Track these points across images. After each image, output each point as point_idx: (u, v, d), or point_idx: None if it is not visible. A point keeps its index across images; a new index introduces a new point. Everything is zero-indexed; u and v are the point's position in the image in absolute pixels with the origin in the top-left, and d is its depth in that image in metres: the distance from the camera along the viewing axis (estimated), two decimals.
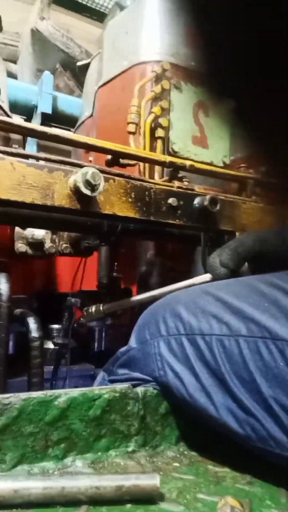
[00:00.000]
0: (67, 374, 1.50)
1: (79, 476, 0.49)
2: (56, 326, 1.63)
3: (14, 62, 3.36)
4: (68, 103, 2.94)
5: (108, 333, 1.67)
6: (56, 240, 1.42)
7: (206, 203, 0.95)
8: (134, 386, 0.63)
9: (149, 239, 1.35)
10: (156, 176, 1.32)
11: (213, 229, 1.01)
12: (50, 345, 1.58)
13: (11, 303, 1.13)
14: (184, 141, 1.39)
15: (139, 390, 0.63)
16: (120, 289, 1.38)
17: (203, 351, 0.59)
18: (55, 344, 1.52)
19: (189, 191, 0.99)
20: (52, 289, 1.86)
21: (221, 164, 1.46)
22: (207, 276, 0.85)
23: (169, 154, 1.34)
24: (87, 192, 0.79)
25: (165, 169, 1.28)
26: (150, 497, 0.48)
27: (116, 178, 0.87)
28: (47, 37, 3.11)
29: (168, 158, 1.07)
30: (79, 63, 2.96)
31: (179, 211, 0.94)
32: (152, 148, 1.34)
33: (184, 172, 1.10)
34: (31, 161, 0.80)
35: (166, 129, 1.36)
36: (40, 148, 2.65)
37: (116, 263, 1.39)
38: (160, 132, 1.35)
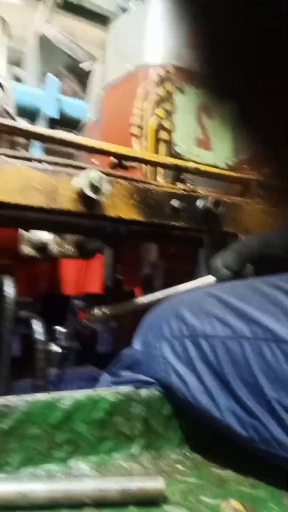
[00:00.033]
0: (71, 376, 1.50)
1: (83, 479, 0.50)
2: (60, 328, 1.63)
3: (19, 66, 3.39)
4: (73, 106, 2.95)
5: (112, 336, 1.67)
6: (61, 243, 1.42)
7: (209, 205, 0.95)
8: (138, 388, 0.64)
9: (153, 241, 1.35)
10: (160, 178, 1.32)
11: (217, 231, 1.01)
12: (54, 347, 1.58)
13: (16, 306, 1.13)
14: (188, 143, 1.39)
15: (143, 392, 0.63)
16: (124, 291, 1.38)
17: (206, 353, 0.59)
18: (59, 346, 1.52)
19: (193, 193, 0.99)
20: (56, 291, 1.86)
21: (225, 166, 1.46)
22: (210, 278, 0.85)
23: (173, 156, 1.34)
24: (91, 194, 0.79)
25: (168, 171, 1.28)
26: (154, 500, 0.48)
27: (121, 180, 0.88)
28: (51, 41, 3.13)
29: (172, 160, 1.07)
30: (83, 66, 2.98)
31: (182, 213, 0.95)
32: (156, 151, 1.34)
33: (187, 174, 1.10)
34: (36, 164, 0.81)
35: (170, 131, 1.36)
36: (45, 151, 2.66)
37: (120, 265, 1.39)
38: (163, 135, 1.35)
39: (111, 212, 0.85)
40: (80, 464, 0.56)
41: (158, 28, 1.48)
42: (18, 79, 3.12)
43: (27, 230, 1.43)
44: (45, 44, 3.18)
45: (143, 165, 1.24)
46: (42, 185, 0.78)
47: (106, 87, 1.70)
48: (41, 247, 1.45)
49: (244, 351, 0.55)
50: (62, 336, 1.53)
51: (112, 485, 0.47)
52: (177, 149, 1.37)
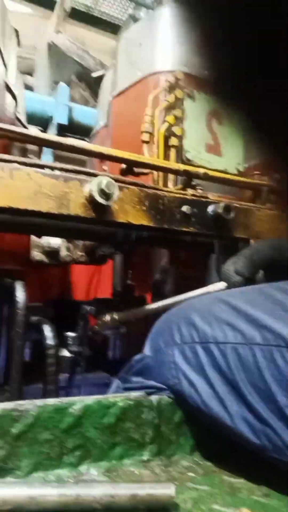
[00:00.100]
0: (82, 382, 1.50)
1: (94, 484, 0.49)
2: (71, 334, 1.64)
3: (31, 74, 3.44)
4: (83, 114, 2.99)
5: (123, 341, 1.67)
6: (72, 249, 1.43)
7: (220, 210, 0.95)
8: (149, 394, 0.63)
9: (163, 247, 1.35)
10: (170, 184, 1.33)
11: (227, 237, 1.01)
12: (65, 353, 1.59)
13: (27, 311, 1.14)
14: (198, 149, 1.40)
15: (154, 398, 0.63)
16: (134, 297, 1.38)
17: (217, 359, 0.59)
18: (70, 352, 1.53)
19: (203, 199, 0.99)
20: (67, 297, 1.87)
21: (235, 172, 1.46)
22: (221, 284, 0.85)
23: (183, 162, 1.35)
24: (102, 201, 0.80)
25: (179, 177, 1.29)
26: (165, 507, 0.48)
27: (130, 186, 0.88)
28: (63, 50, 3.18)
29: (182, 166, 1.07)
30: (94, 74, 3.02)
31: (193, 219, 0.95)
32: (166, 157, 1.35)
33: (198, 180, 1.10)
34: (47, 171, 0.82)
35: (180, 137, 1.37)
36: (56, 158, 2.69)
37: (130, 271, 1.39)
38: (173, 141, 1.36)
39: (122, 218, 0.86)
40: (91, 470, 0.56)
41: (168, 36, 1.49)
42: (29, 88, 3.17)
43: (38, 236, 1.44)
44: (56, 53, 3.23)
45: (154, 171, 1.25)
46: (52, 191, 0.79)
47: (116, 94, 1.72)
48: (52, 253, 1.46)
49: (255, 358, 0.55)
50: (73, 342, 1.53)
51: (122, 491, 0.47)
52: (188, 155, 1.38)
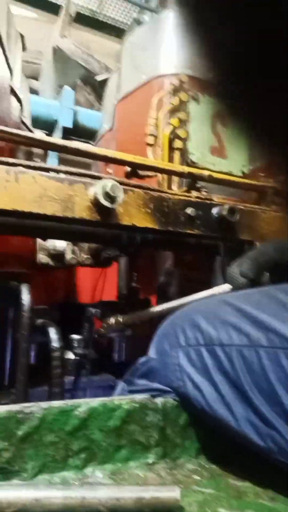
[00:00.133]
0: (87, 384, 1.50)
1: (99, 487, 0.49)
2: (76, 336, 1.64)
3: (36, 79, 3.47)
4: (88, 117, 3.00)
5: (128, 344, 1.67)
6: (77, 252, 1.44)
7: (224, 212, 0.95)
8: (154, 396, 0.63)
9: (168, 249, 1.35)
10: (175, 186, 1.33)
11: (232, 239, 1.01)
12: (70, 355, 1.59)
13: (33, 314, 1.14)
14: (202, 151, 1.40)
15: (159, 400, 0.63)
16: (139, 299, 1.38)
17: (222, 362, 0.59)
18: (75, 354, 1.53)
19: (208, 201, 0.99)
20: (72, 299, 1.88)
21: (240, 174, 1.46)
22: (226, 287, 0.85)
23: (187, 164, 1.35)
24: (106, 204, 0.80)
25: (183, 179, 1.29)
26: (170, 510, 0.48)
27: (135, 189, 0.88)
28: (68, 54, 3.20)
29: (186, 169, 1.07)
30: (98, 78, 3.03)
31: (197, 221, 0.95)
32: (170, 159, 1.35)
33: (202, 182, 1.10)
34: (52, 174, 0.82)
35: (184, 140, 1.37)
36: (61, 161, 2.71)
37: (135, 274, 1.39)
38: (178, 143, 1.36)
39: (126, 220, 0.86)
40: (96, 472, 0.56)
41: (172, 39, 1.50)
42: (35, 92, 3.19)
43: (43, 239, 1.45)
44: (61, 57, 3.25)
45: (158, 174, 1.25)
46: (57, 194, 0.79)
47: (121, 97, 1.73)
48: (57, 256, 1.46)
49: (260, 360, 0.54)
50: (78, 344, 1.53)
51: (127, 494, 0.47)
52: (192, 157, 1.38)
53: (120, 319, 1.16)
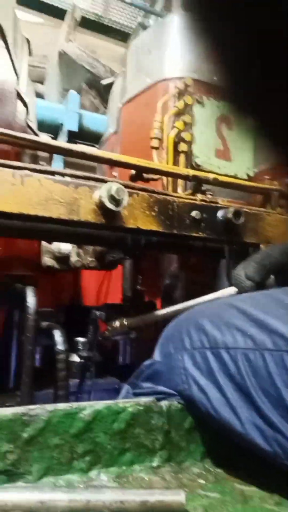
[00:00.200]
0: (92, 387, 1.50)
1: (104, 490, 0.49)
2: (81, 339, 1.64)
3: (41, 83, 3.49)
4: (93, 121, 3.01)
5: (133, 347, 1.67)
6: (82, 254, 1.44)
7: (229, 215, 0.95)
8: (159, 399, 0.63)
9: (173, 252, 1.35)
10: (180, 189, 1.33)
11: (238, 242, 1.01)
12: (75, 358, 1.59)
13: (38, 316, 1.15)
14: (207, 154, 1.40)
15: (164, 403, 0.63)
16: (144, 302, 1.38)
17: (227, 364, 0.58)
18: (80, 357, 1.53)
19: (213, 204, 0.99)
20: (77, 302, 1.88)
21: (245, 177, 1.46)
22: (232, 289, 0.85)
23: (192, 167, 1.35)
24: (111, 206, 0.80)
25: (188, 182, 1.29)
26: None
27: (140, 192, 0.88)
28: (73, 58, 3.22)
29: (191, 172, 1.08)
30: (104, 82, 3.05)
31: (202, 224, 0.95)
32: (175, 162, 1.36)
33: (207, 185, 1.10)
34: (57, 177, 0.83)
35: (189, 143, 1.38)
36: (66, 164, 2.72)
37: (140, 277, 1.39)
38: (183, 146, 1.36)
39: (131, 223, 0.86)
40: (101, 475, 0.56)
41: (177, 43, 1.50)
42: (40, 96, 3.21)
43: (49, 242, 1.46)
44: (67, 61, 3.27)
45: (163, 177, 1.25)
46: (63, 197, 0.80)
47: (126, 101, 1.73)
48: (63, 259, 1.47)
49: (266, 363, 0.54)
50: (83, 347, 1.54)
51: (132, 497, 0.47)
52: (197, 160, 1.38)
53: (125, 322, 1.16)
